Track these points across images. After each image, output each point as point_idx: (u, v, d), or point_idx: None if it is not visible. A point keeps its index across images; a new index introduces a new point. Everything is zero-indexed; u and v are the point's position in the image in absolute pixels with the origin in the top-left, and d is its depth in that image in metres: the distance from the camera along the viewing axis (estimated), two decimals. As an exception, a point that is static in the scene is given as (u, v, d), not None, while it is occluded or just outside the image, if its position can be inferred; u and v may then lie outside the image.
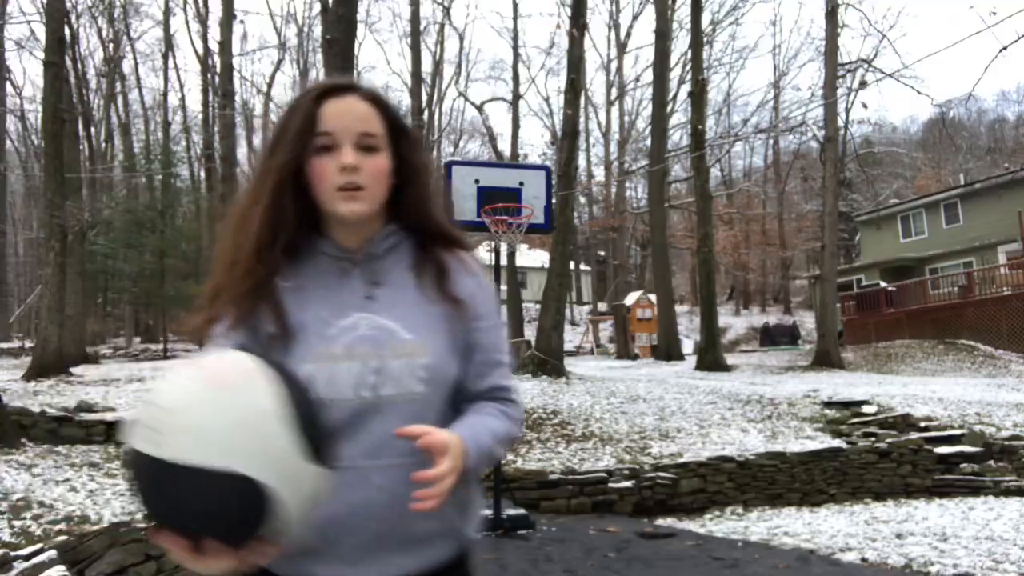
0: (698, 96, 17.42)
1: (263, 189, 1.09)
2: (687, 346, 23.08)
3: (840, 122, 19.51)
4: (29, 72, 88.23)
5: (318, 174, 1.08)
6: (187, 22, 52.02)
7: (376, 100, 1.13)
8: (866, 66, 18.45)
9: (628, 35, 46.16)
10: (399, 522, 1.06)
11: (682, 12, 23.87)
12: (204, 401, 0.80)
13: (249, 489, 0.79)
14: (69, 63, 20.37)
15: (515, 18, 30.58)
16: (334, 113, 1.08)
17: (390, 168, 1.12)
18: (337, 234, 1.14)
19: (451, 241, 1.20)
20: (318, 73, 33.11)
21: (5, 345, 23.40)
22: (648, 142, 24.20)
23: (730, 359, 17.90)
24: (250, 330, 1.10)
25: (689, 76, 22.52)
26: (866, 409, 9.49)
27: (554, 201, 8.80)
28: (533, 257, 37.46)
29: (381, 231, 1.16)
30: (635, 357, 22.75)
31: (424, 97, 30.27)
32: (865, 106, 26.31)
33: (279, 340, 1.08)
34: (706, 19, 23.46)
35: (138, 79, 34.73)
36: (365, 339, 1.10)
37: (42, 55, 13.04)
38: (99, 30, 30.36)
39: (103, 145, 31.93)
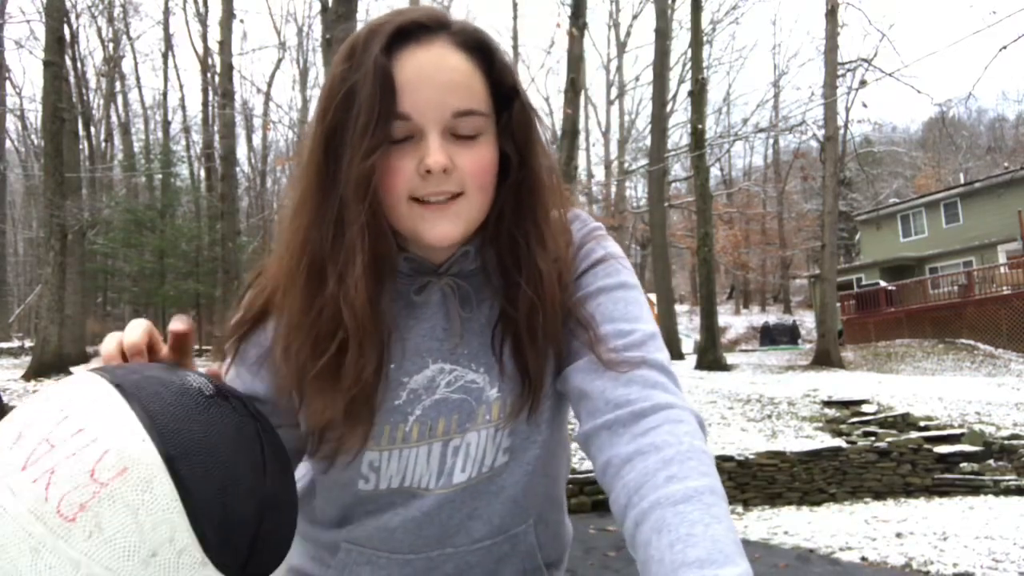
0: (698, 95, 17.41)
1: (347, 212, 0.70)
2: (687, 345, 23.09)
3: (840, 121, 19.49)
4: (29, 72, 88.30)
5: (387, 178, 0.69)
6: (187, 22, 52.19)
7: (478, 47, 0.73)
8: (866, 65, 18.44)
9: (628, 34, 46.25)
10: None
11: (682, 11, 23.88)
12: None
13: None
14: (69, 63, 20.39)
15: (515, 17, 30.59)
16: (413, 80, 0.68)
17: (496, 160, 0.74)
18: (413, 243, 0.78)
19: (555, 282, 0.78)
20: (318, 73, 33.16)
21: (5, 345, 23.39)
22: (648, 141, 24.21)
23: (730, 358, 17.90)
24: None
25: (689, 75, 22.53)
26: (866, 408, 9.50)
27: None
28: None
29: (474, 237, 0.78)
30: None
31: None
32: (865, 105, 26.28)
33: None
34: (706, 19, 23.47)
35: (138, 79, 34.80)
36: (447, 407, 0.79)
37: (42, 55, 13.04)
38: (99, 30, 30.36)
39: (103, 145, 31.92)
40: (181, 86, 45.88)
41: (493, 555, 0.85)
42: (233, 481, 0.57)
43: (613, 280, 0.79)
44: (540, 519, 0.88)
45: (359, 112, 0.68)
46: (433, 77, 0.69)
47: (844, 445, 7.93)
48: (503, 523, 0.84)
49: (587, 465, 7.10)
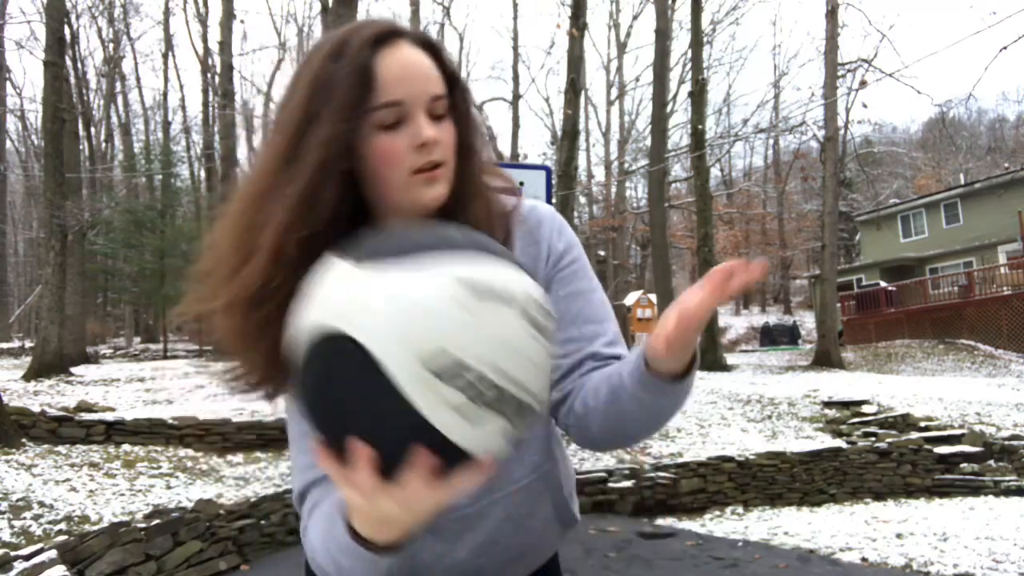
0: (698, 96, 17.42)
1: (302, 165, 0.79)
2: (687, 346, 23.02)
3: (840, 122, 19.49)
4: (29, 72, 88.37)
5: (385, 157, 0.82)
6: (187, 22, 52.23)
7: (433, 48, 0.87)
8: (866, 66, 18.44)
9: (628, 35, 46.27)
10: (527, 540, 0.96)
11: (682, 12, 23.88)
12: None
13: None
14: (69, 63, 20.38)
15: (515, 18, 30.65)
16: (398, 72, 0.81)
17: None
18: (405, 212, 0.89)
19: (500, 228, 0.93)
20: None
21: (5, 345, 23.39)
22: (648, 142, 24.20)
23: (730, 359, 17.90)
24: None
25: (689, 76, 22.55)
26: (866, 409, 9.50)
27: (554, 201, 8.81)
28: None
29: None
30: (635, 357, 22.70)
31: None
32: (865, 106, 26.30)
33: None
34: (706, 19, 23.47)
35: (138, 79, 34.85)
36: None
37: (42, 55, 13.04)
38: (99, 30, 30.43)
39: (103, 145, 31.95)
40: (181, 86, 45.97)
41: (532, 493, 0.95)
42: None
43: (590, 282, 1.01)
44: (562, 455, 1.01)
45: (345, 90, 0.79)
46: (416, 69, 0.83)
47: (844, 446, 7.93)
48: (532, 461, 0.94)
49: (587, 466, 7.10)
